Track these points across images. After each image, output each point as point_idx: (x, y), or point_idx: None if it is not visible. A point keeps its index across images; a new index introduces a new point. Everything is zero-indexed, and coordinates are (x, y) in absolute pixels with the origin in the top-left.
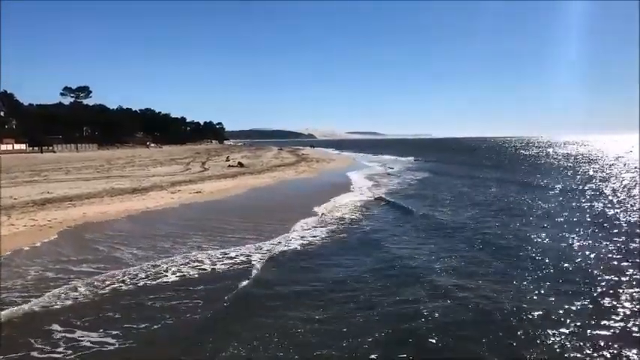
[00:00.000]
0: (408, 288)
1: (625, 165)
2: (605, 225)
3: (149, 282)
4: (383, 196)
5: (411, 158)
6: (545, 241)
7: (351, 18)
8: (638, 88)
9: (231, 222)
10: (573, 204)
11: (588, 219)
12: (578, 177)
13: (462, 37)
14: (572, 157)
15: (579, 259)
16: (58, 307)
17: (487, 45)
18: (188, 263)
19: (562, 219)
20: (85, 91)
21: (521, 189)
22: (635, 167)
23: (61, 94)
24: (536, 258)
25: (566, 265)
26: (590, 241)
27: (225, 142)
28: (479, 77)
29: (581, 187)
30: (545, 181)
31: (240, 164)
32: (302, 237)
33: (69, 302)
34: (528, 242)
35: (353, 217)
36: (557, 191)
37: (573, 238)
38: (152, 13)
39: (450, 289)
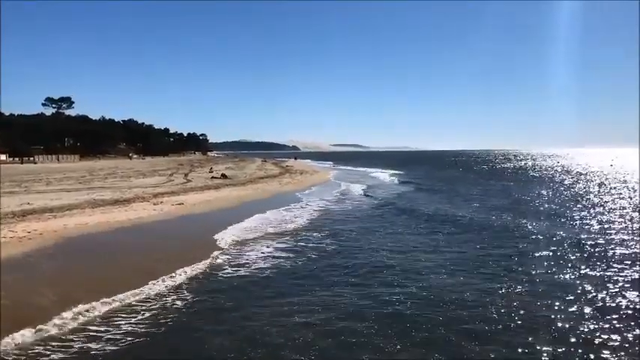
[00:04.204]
0: None
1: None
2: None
3: None
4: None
5: (392, 172)
6: None
7: (334, 31)
8: (638, 102)
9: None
10: None
11: None
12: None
13: (446, 48)
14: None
15: None
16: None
17: (472, 57)
18: None
19: None
20: (68, 101)
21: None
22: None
23: (43, 104)
24: None
25: None
26: None
27: (209, 153)
28: (463, 90)
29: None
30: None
31: (224, 176)
32: None
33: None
34: None
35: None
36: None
37: None
38: (134, 26)
39: None
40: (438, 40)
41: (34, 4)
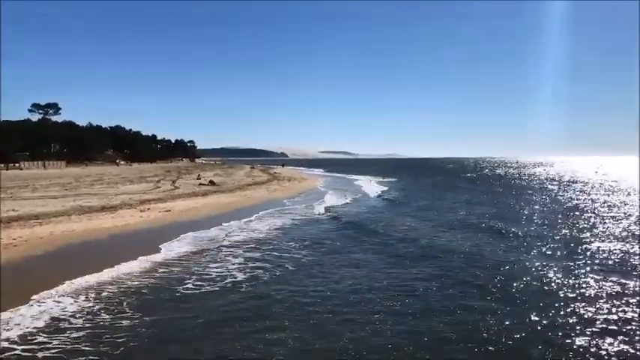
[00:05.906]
0: None
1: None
2: None
3: None
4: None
5: (380, 180)
6: None
7: (326, 35)
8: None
9: None
10: None
11: None
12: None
13: (432, 52)
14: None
15: None
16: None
17: (463, 63)
18: None
19: None
20: (54, 107)
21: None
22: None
23: (29, 110)
24: None
25: None
26: None
27: (197, 160)
28: (453, 97)
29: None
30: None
31: (212, 182)
32: None
33: None
34: None
35: None
36: None
37: None
38: (121, 29)
39: None
40: (430, 43)
41: (32, 4)
